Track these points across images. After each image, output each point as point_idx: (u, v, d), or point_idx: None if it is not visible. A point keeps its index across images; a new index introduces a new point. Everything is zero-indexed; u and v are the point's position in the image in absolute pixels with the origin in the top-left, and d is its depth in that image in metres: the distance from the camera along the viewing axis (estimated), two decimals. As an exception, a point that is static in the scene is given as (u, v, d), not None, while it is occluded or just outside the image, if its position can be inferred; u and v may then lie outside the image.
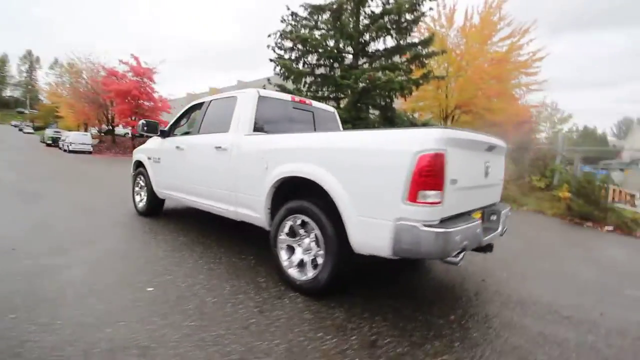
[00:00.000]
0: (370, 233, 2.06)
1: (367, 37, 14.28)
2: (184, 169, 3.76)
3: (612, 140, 47.74)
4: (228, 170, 3.13)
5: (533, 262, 3.74)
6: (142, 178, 4.76)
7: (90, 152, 20.12)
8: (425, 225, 1.84)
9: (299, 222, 2.53)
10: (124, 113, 19.69)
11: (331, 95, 14.73)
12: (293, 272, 2.54)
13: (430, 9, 13.38)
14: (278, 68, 14.01)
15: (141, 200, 4.82)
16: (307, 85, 14.58)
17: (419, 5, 13.18)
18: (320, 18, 15.14)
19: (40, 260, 2.84)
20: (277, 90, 15.01)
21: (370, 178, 2.04)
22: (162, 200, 4.69)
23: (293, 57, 15.21)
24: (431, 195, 1.85)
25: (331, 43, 14.25)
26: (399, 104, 15.56)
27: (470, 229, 2.02)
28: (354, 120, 12.43)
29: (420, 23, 14.30)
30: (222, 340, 1.85)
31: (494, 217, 2.64)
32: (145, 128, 4.12)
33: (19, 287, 2.34)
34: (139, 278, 2.61)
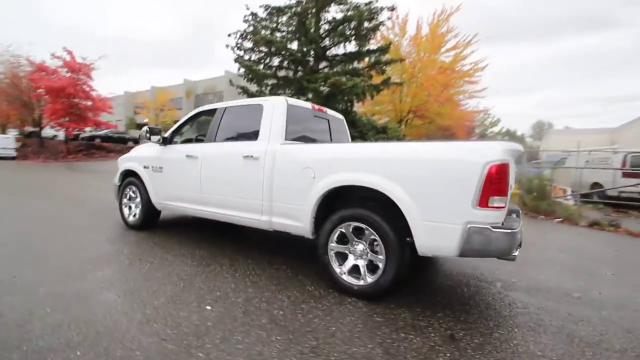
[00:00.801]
0: (438, 236, 2.24)
1: (327, 42, 14.62)
2: (199, 179, 3.58)
3: (529, 141, 54.77)
4: (261, 179, 3.08)
5: (521, 253, 4.26)
6: (133, 189, 4.39)
7: (13, 158, 17.48)
8: (495, 227, 2.08)
9: (350, 229, 2.62)
10: (56, 113, 17.46)
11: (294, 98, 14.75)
12: (348, 279, 2.62)
13: (389, 18, 14.14)
14: (242, 70, 13.67)
15: (132, 213, 4.44)
16: (269, 88, 14.44)
17: (377, 14, 13.85)
18: (280, 20, 15.11)
19: (57, 288, 2.54)
20: (239, 92, 14.67)
21: (438, 186, 2.22)
22: (159, 212, 4.38)
23: (254, 59, 14.99)
24: (499, 200, 2.10)
25: (294, 46, 14.31)
26: (355, 107, 16.21)
27: (521, 227, 2.31)
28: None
29: (377, 31, 15.03)
30: (320, 351, 1.88)
31: (514, 215, 3.00)
32: (148, 135, 3.84)
33: (58, 319, 2.08)
34: (187, 297, 2.47)
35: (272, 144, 3.09)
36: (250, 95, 14.47)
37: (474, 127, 23.84)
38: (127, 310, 2.24)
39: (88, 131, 21.97)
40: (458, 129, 17.18)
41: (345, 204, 2.73)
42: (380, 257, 2.47)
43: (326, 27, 14.58)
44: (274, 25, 14.89)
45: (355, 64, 14.74)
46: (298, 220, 2.90)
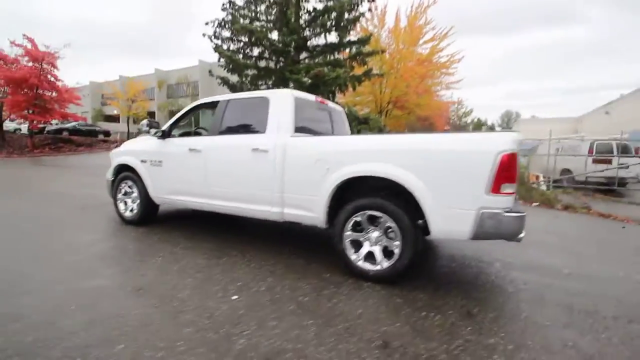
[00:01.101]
0: (452, 221, 2.40)
1: (307, 32, 14.50)
2: (203, 172, 3.56)
3: (499, 130, 57.13)
4: (271, 171, 3.12)
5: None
6: (129, 183, 4.28)
7: (-29, 154, 16.19)
8: (506, 212, 2.26)
9: (366, 217, 2.74)
10: (18, 105, 16.28)
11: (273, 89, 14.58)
12: (364, 265, 2.74)
13: (369, 10, 14.16)
14: (222, 60, 13.35)
15: (128, 208, 4.33)
16: (249, 78, 14.20)
17: (357, 5, 13.85)
18: (258, 9, 14.81)
19: (74, 285, 2.49)
20: (219, 82, 14.31)
21: (453, 175, 2.37)
22: (157, 207, 4.31)
23: (232, 48, 14.66)
24: (509, 187, 2.27)
25: (274, 36, 14.10)
26: (337, 98, 16.29)
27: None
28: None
29: (357, 22, 15.05)
30: (354, 330, 1.99)
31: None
32: (148, 128, 3.76)
33: (88, 315, 2.06)
34: (210, 288, 2.50)
35: (282, 137, 3.12)
36: (231, 86, 14.17)
37: (450, 117, 24.65)
38: (155, 303, 2.25)
39: (54, 124, 20.69)
40: (436, 119, 17.78)
41: (356, 193, 2.83)
42: (396, 242, 2.61)
43: (306, 17, 14.45)
44: (252, 14, 14.58)
45: (336, 55, 14.78)
46: (311, 211, 2.98)
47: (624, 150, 9.89)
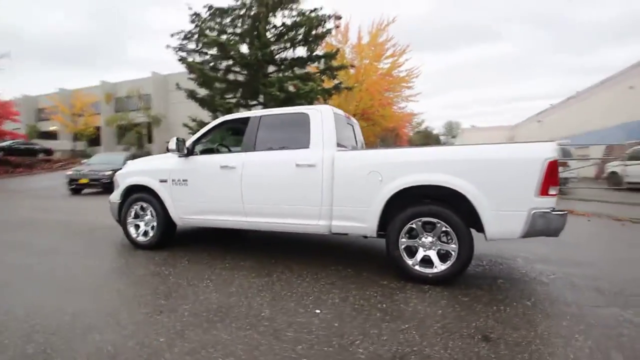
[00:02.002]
0: (505, 222, 2.69)
1: (274, 46, 14.64)
2: (239, 189, 3.50)
3: (443, 139, 61.66)
4: (319, 185, 3.20)
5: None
6: (142, 205, 4.04)
7: None
8: (553, 211, 2.60)
9: (421, 223, 2.93)
10: (-59, 122, 14.19)
11: (242, 103, 14.46)
12: (420, 268, 2.92)
13: (336, 26, 14.72)
14: (192, 74, 12.95)
15: (140, 232, 4.07)
16: (220, 92, 13.95)
17: (324, 21, 14.36)
18: (224, 22, 14.67)
19: (137, 317, 2.35)
20: (186, 96, 13.83)
21: (505, 180, 2.66)
22: (175, 228, 4.10)
23: (198, 60, 14.33)
24: (554, 189, 2.62)
25: (243, 49, 14.05)
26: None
27: (558, 210, 2.90)
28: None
29: (324, 38, 15.55)
30: (449, 329, 2.14)
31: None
32: (180, 146, 3.62)
33: (189, 346, 1.97)
34: (286, 305, 2.50)
35: (328, 151, 3.23)
36: (200, 99, 13.77)
37: (405, 128, 26.32)
38: (244, 325, 2.20)
39: (-15, 143, 18.23)
40: (400, 129, 18.88)
41: (405, 202, 3.02)
42: (453, 246, 2.83)
43: (273, 31, 14.64)
44: (218, 26, 14.40)
45: (305, 69, 15.11)
46: (362, 221, 3.10)
47: (566, 154, 11.37)
